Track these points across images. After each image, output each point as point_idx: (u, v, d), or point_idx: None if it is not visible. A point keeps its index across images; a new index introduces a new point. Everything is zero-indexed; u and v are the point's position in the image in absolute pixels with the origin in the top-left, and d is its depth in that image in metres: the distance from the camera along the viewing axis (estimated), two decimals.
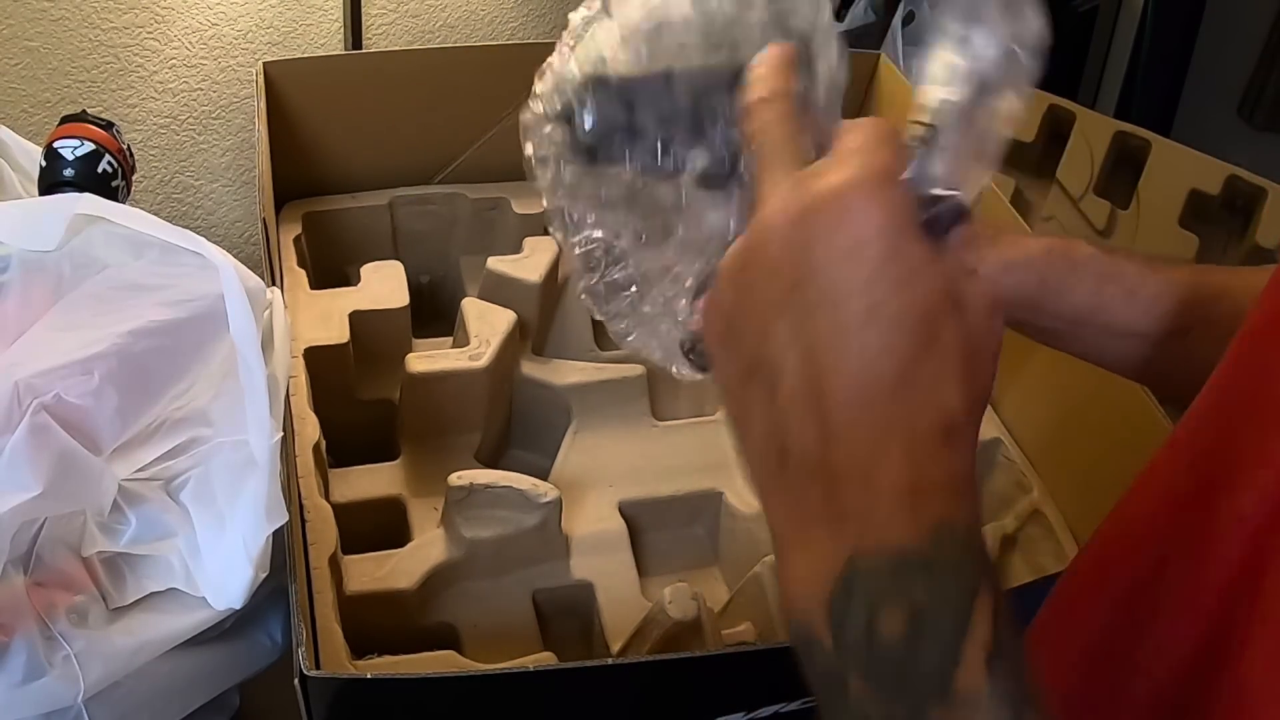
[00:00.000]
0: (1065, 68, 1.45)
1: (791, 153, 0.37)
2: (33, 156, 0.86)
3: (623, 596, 0.84)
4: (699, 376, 0.48)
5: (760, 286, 0.35)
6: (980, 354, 0.35)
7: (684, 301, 0.47)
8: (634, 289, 0.48)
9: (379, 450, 0.92)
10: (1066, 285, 0.54)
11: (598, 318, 0.50)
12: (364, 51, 1.21)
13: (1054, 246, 0.55)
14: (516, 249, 1.02)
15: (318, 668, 0.61)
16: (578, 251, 0.48)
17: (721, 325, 0.37)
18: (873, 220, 0.33)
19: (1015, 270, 0.54)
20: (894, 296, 0.33)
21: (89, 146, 0.83)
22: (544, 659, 0.76)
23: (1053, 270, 0.54)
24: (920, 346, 0.33)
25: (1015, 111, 0.38)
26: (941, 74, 0.38)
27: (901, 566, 0.32)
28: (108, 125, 0.86)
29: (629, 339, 0.50)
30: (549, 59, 0.46)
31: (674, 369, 0.49)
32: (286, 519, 0.64)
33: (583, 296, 0.49)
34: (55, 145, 0.83)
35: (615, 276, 0.48)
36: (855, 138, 0.35)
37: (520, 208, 1.05)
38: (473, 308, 0.96)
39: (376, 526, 0.85)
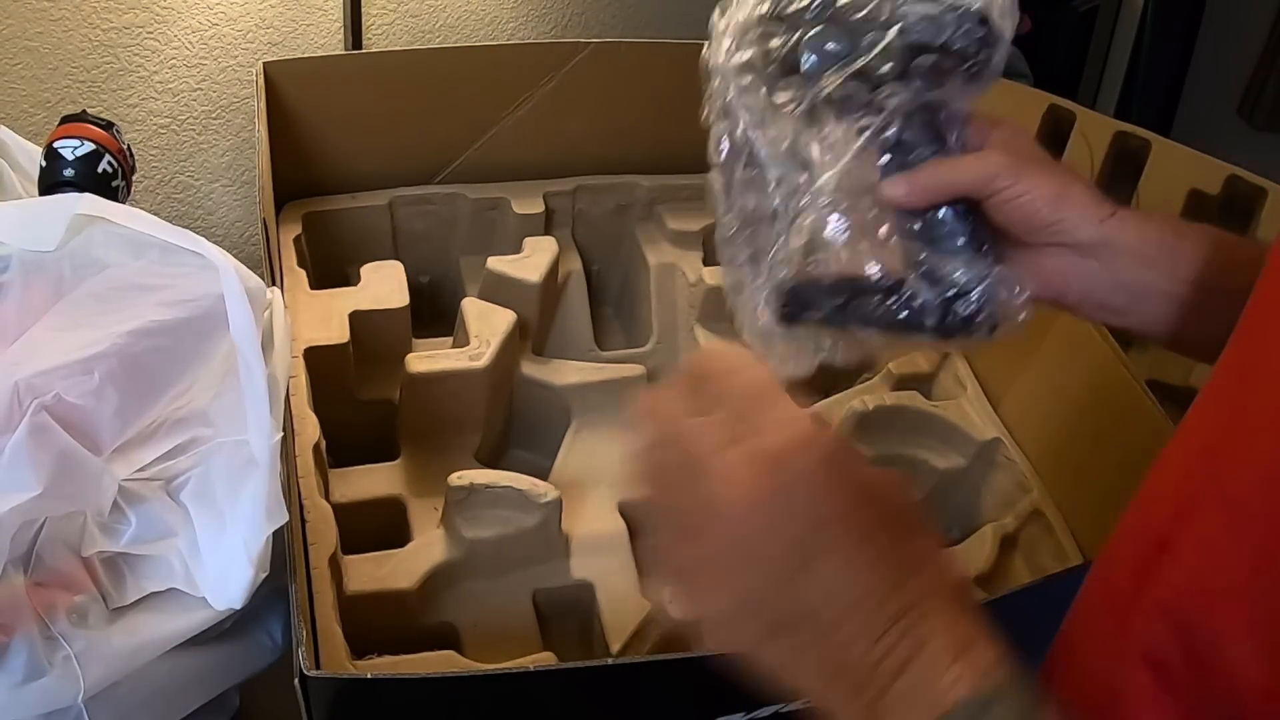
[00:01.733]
0: (1065, 68, 1.44)
1: None
2: (33, 156, 0.86)
3: (623, 596, 0.84)
4: (782, 328, 0.55)
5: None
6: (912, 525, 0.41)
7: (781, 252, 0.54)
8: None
9: (379, 450, 0.92)
10: (1190, 248, 0.55)
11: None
12: (364, 51, 1.21)
13: (1169, 216, 0.57)
14: (516, 249, 1.02)
15: (318, 668, 0.61)
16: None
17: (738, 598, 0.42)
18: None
19: (1150, 234, 0.55)
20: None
21: (89, 146, 0.83)
22: (544, 659, 0.76)
23: (1179, 232, 0.56)
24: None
25: None
26: None
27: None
28: (108, 125, 0.86)
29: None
30: None
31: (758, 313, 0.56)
32: (286, 519, 0.64)
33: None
34: (55, 145, 0.83)
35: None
36: None
37: (520, 208, 1.05)
38: (473, 308, 0.96)
39: (376, 526, 0.85)
